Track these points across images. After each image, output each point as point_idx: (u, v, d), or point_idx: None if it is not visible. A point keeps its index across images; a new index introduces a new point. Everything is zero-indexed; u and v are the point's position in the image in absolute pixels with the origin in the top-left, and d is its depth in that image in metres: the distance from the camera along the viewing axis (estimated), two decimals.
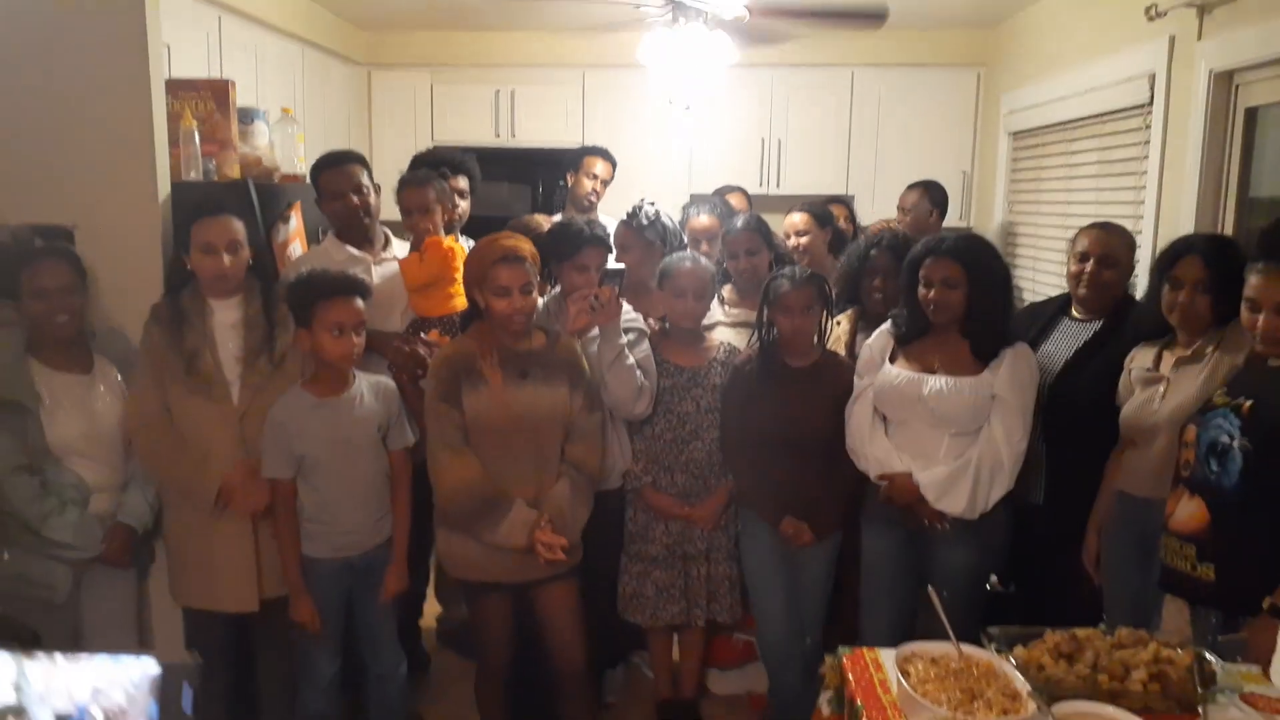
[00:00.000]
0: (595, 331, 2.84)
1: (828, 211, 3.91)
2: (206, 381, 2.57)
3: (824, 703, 2.07)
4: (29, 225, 2.82)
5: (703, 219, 3.65)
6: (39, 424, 2.55)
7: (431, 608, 3.64)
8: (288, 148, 3.49)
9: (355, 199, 3.02)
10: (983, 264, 2.63)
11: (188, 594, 2.73)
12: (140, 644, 2.86)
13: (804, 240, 3.77)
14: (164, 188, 2.84)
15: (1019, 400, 2.57)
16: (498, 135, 5.16)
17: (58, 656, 0.58)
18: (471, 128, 5.12)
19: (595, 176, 4.12)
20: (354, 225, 3.06)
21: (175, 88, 2.98)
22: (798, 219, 3.81)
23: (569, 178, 4.22)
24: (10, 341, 2.63)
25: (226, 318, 2.64)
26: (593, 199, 4.11)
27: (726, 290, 3.37)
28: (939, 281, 2.60)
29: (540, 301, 2.74)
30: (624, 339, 2.82)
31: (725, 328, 3.22)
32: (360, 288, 2.61)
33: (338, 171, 3.03)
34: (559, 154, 4.52)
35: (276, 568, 2.64)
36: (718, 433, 2.93)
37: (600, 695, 3.20)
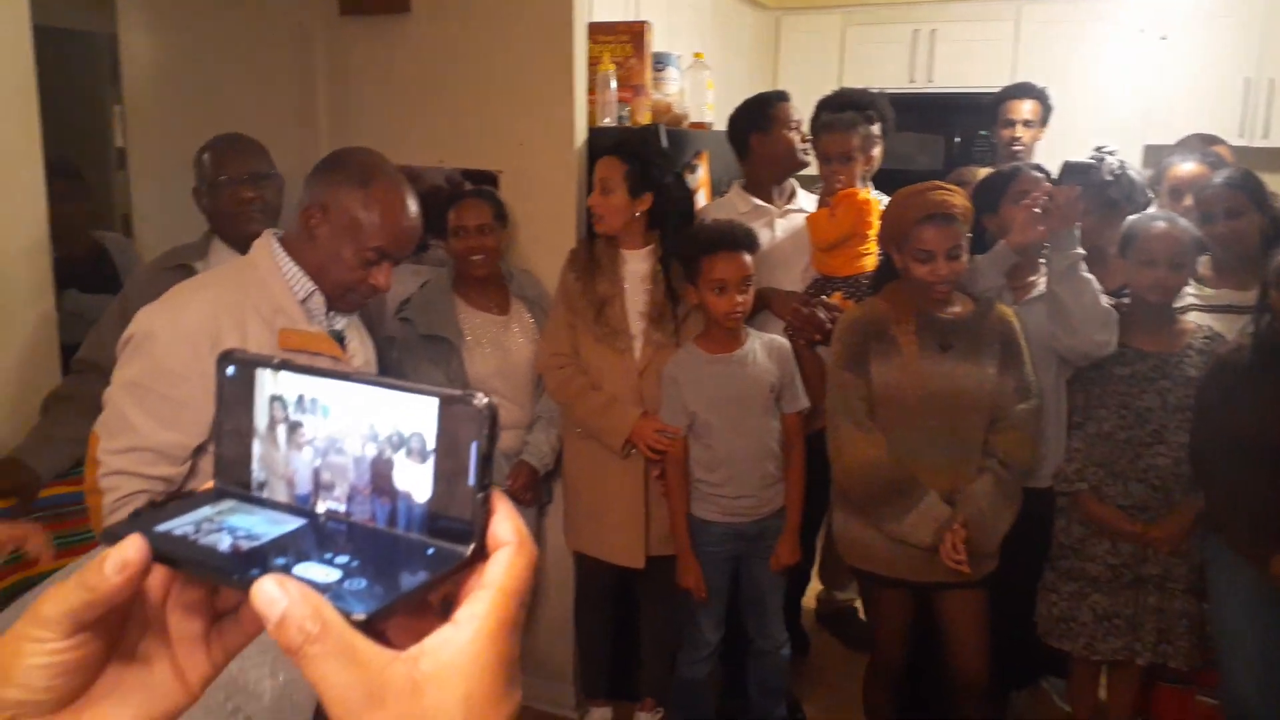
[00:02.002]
0: (1038, 291, 2.44)
1: None
2: (612, 332, 2.54)
3: None
4: (460, 170, 2.96)
5: (1188, 166, 2.99)
6: (461, 359, 2.66)
7: (813, 587, 3.44)
8: (698, 94, 3.37)
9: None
10: None
11: (580, 540, 2.76)
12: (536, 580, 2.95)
13: None
14: (581, 134, 2.83)
15: None
16: (912, 80, 4.73)
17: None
18: (883, 72, 4.74)
19: (1013, 122, 3.50)
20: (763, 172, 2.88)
21: (595, 31, 2.95)
22: None
23: (994, 130, 3.66)
24: (441, 279, 2.78)
25: (637, 268, 2.59)
26: (1017, 149, 3.52)
27: (1202, 264, 2.73)
28: None
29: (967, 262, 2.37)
30: (1080, 251, 2.35)
31: (1199, 312, 2.61)
32: (744, 242, 2.42)
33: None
34: (980, 98, 3.99)
35: (665, 526, 2.57)
36: (1188, 438, 2.37)
37: (1001, 716, 2.81)
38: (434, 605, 0.42)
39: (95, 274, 2.88)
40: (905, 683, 2.51)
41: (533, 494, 2.76)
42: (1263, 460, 2.21)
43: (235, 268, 1.79)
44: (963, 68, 4.62)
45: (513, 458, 2.73)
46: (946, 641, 2.38)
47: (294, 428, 0.44)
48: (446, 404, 0.41)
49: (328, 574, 0.39)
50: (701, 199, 3.11)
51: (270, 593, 0.37)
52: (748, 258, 2.40)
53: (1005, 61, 4.51)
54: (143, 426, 1.58)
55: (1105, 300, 2.36)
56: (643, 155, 2.55)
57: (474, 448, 0.40)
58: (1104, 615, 2.46)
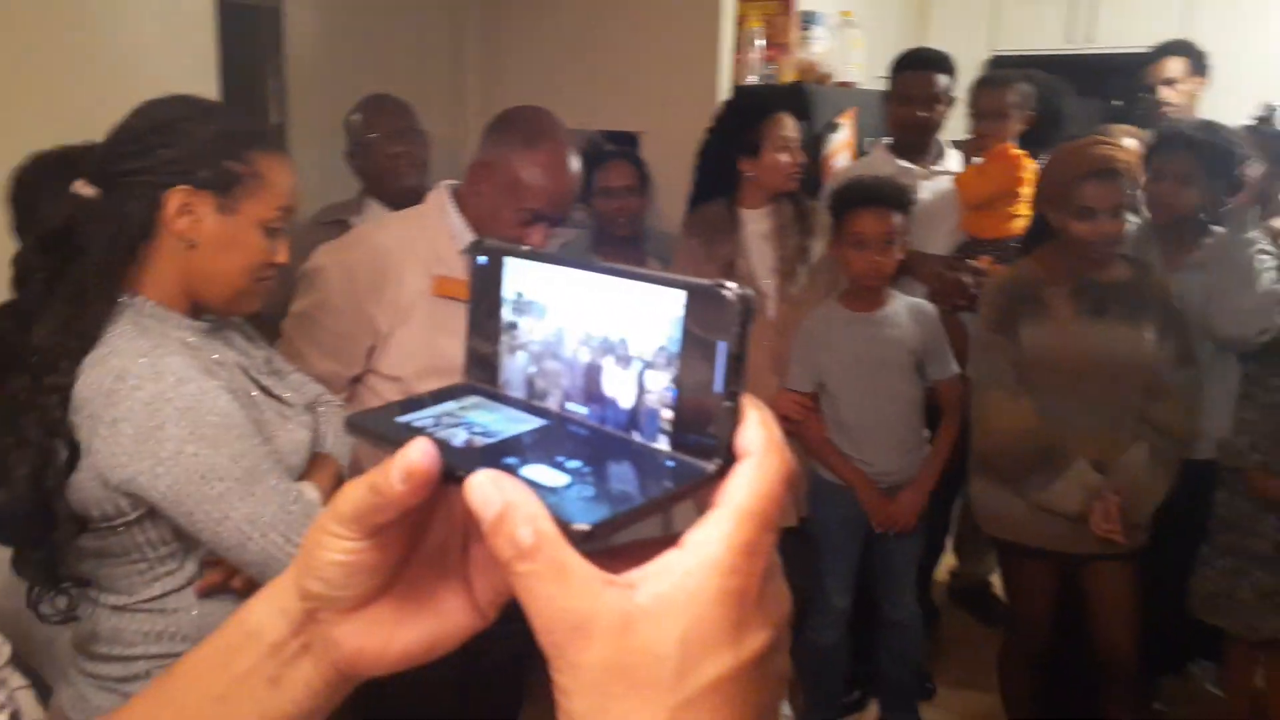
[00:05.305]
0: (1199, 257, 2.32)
1: None
2: None
3: None
4: (602, 131, 2.99)
5: None
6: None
7: (948, 562, 3.37)
8: (844, 53, 3.31)
9: (923, 113, 2.74)
10: None
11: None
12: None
13: None
14: (725, 92, 2.82)
15: None
16: (1069, 40, 4.49)
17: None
18: (1039, 32, 4.52)
19: (1158, 84, 3.27)
20: (911, 137, 2.81)
21: None
22: None
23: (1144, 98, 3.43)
24: (579, 240, 2.84)
25: (758, 228, 2.57)
26: (1166, 111, 3.29)
27: None
28: None
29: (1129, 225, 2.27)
30: (1256, 235, 2.22)
31: None
32: (891, 199, 2.36)
33: (919, 77, 2.76)
34: (1142, 59, 3.75)
35: (800, 490, 2.55)
36: None
37: (1148, 700, 2.69)
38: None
39: None
40: (1045, 663, 2.43)
41: None
42: None
43: (409, 215, 1.87)
44: (1126, 25, 4.36)
45: None
46: (1093, 618, 2.29)
47: (512, 327, 0.42)
48: (693, 296, 0.36)
49: (556, 478, 0.35)
50: (844, 160, 3.06)
51: (486, 490, 0.34)
52: (895, 216, 2.35)
53: (1172, 15, 4.22)
54: (308, 355, 1.69)
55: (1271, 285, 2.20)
56: (803, 117, 2.52)
57: (721, 348, 0.35)
58: (1267, 593, 2.32)
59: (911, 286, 2.65)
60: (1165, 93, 3.25)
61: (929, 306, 2.50)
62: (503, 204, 1.71)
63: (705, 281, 0.35)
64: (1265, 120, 2.51)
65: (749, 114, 2.57)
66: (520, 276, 0.42)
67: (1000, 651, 2.50)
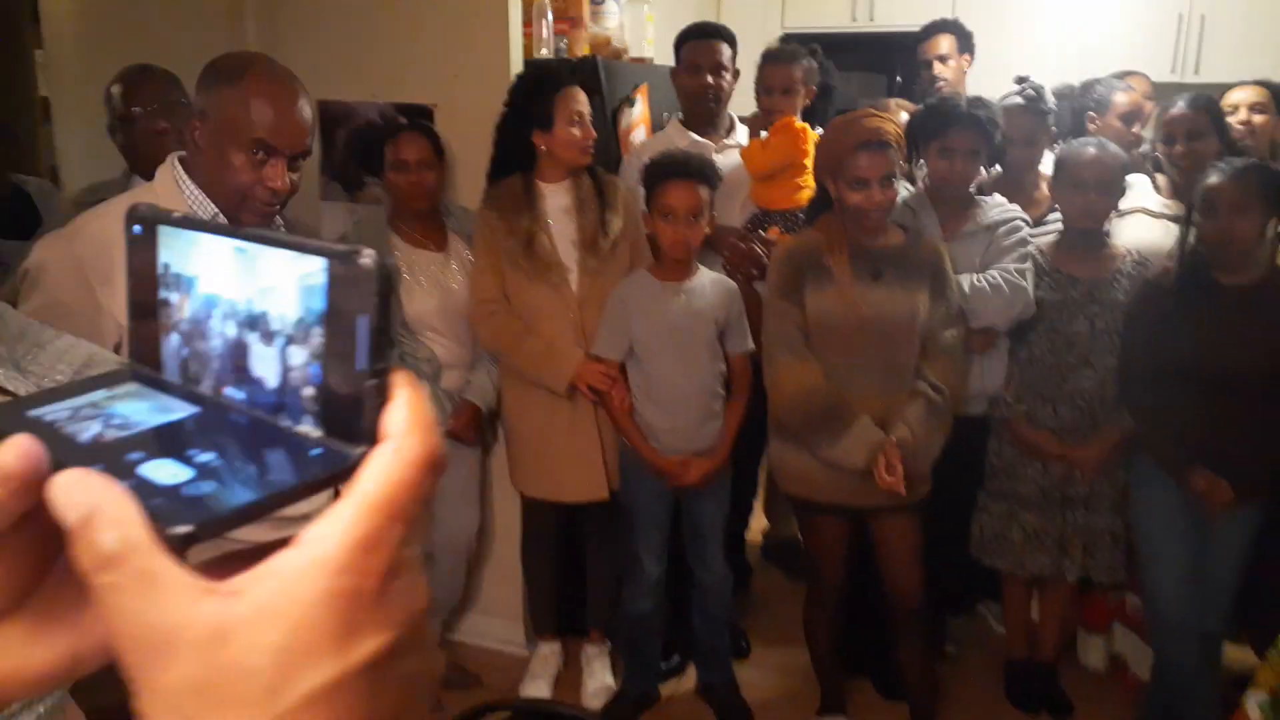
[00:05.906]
0: (972, 226, 2.48)
1: None
2: (545, 266, 2.51)
3: (1253, 705, 1.63)
4: (395, 104, 2.89)
5: (1122, 97, 3.05)
6: (398, 297, 2.63)
7: (758, 522, 3.49)
8: (638, 29, 3.34)
9: (711, 79, 2.80)
10: None
11: (528, 482, 2.74)
12: (480, 519, 2.94)
13: (1256, 120, 2.98)
14: (516, 65, 2.78)
15: None
16: (854, 19, 4.71)
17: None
18: (824, 11, 4.72)
19: (930, 60, 3.48)
20: (701, 107, 2.87)
21: None
22: (1246, 94, 3.03)
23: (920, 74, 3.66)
24: (376, 216, 2.74)
25: (557, 202, 2.56)
26: (940, 86, 3.52)
27: (1161, 177, 2.80)
28: None
29: (901, 194, 2.40)
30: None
31: (1147, 217, 2.70)
32: (697, 173, 2.41)
33: (704, 45, 2.82)
34: (919, 37, 3.99)
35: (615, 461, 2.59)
36: (1115, 361, 2.43)
37: (939, 642, 2.90)
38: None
39: (16, 218, 2.80)
40: (844, 609, 2.56)
41: (477, 434, 2.75)
42: (1188, 381, 2.28)
43: (138, 194, 1.74)
44: (903, 6, 4.60)
45: (455, 397, 2.72)
46: (882, 566, 2.43)
47: (165, 304, 0.39)
48: (331, 264, 0.33)
49: (177, 473, 0.32)
50: (640, 135, 3.09)
51: (67, 493, 0.30)
52: (701, 190, 2.39)
53: None
54: None
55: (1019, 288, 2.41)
56: (597, 91, 2.53)
57: (362, 321, 0.33)
58: (1033, 533, 2.55)
59: (711, 259, 2.72)
60: (938, 68, 3.46)
61: (730, 282, 2.57)
62: (226, 150, 1.56)
63: (343, 247, 0.33)
64: (1034, 99, 2.69)
65: (540, 87, 2.53)
66: (172, 247, 0.38)
67: (804, 604, 2.62)
